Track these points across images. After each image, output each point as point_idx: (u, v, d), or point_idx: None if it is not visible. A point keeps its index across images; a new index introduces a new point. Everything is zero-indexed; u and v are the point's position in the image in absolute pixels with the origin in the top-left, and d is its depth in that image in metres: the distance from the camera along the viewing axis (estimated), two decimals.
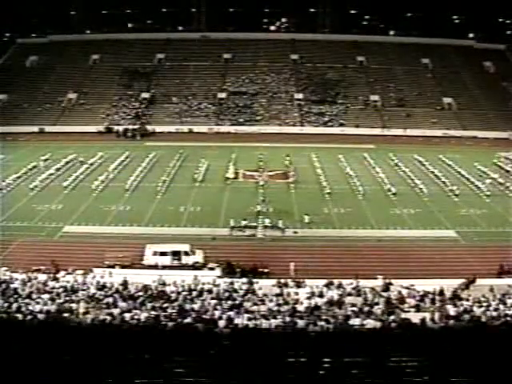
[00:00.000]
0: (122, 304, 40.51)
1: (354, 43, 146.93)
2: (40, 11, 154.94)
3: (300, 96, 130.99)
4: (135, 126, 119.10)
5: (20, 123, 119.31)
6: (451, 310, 39.54)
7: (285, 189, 79.07)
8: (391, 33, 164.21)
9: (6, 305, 39.65)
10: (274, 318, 37.41)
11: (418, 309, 41.01)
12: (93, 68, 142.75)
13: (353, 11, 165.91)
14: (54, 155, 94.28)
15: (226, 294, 42.95)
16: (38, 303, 40.44)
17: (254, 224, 64.09)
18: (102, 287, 44.82)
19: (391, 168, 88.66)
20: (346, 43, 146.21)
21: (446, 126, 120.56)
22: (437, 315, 38.64)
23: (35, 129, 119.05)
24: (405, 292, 43.72)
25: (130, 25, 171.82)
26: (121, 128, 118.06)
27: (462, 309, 39.70)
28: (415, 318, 37.44)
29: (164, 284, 45.31)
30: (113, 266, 52.09)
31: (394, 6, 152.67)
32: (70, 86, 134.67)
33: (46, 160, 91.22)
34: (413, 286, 44.77)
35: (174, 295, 42.57)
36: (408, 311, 40.66)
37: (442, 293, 43.52)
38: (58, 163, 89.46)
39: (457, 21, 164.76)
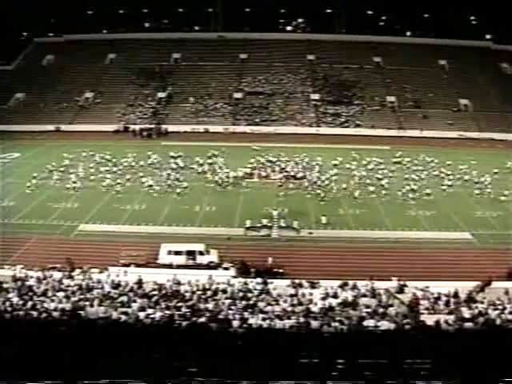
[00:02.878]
0: (136, 303, 40.64)
1: (370, 44, 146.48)
2: (57, 11, 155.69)
3: (316, 96, 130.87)
4: (151, 126, 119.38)
5: (36, 122, 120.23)
6: (466, 313, 39.38)
7: (300, 189, 78.91)
8: (408, 34, 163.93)
9: (21, 302, 39.88)
10: (288, 318, 37.39)
11: (432, 311, 40.88)
12: (109, 67, 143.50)
13: (369, 12, 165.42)
14: (72, 154, 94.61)
15: (241, 294, 42.95)
16: (52, 301, 40.60)
17: (269, 224, 64.17)
18: (116, 286, 44.94)
19: (407, 169, 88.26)
20: (362, 44, 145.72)
21: (462, 128, 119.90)
22: (451, 317, 38.48)
23: (51, 127, 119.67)
24: (419, 294, 43.58)
25: (146, 24, 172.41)
26: (137, 127, 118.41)
27: (476, 311, 39.52)
28: (430, 320, 37.29)
29: (178, 283, 45.34)
30: (128, 265, 52.25)
31: (410, 6, 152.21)
32: (86, 85, 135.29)
33: (67, 159, 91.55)
34: (427, 287, 44.60)
35: (188, 295, 42.60)
36: (423, 313, 40.58)
37: (456, 295, 43.35)
38: (77, 161, 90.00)
39: (474, 22, 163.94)
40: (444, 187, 79.68)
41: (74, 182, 79.44)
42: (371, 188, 78.40)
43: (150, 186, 78.99)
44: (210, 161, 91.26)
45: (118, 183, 79.25)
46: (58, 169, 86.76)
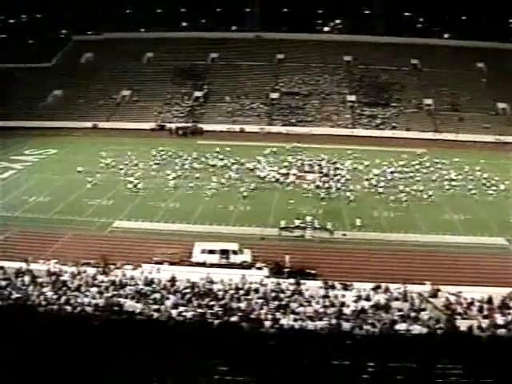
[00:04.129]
0: (169, 300, 40.92)
1: (408, 46, 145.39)
2: (96, 9, 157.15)
3: (352, 98, 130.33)
4: (188, 125, 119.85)
5: (74, 119, 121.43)
6: (499, 319, 39.03)
7: (334, 190, 78.65)
8: (446, 36, 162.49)
9: (55, 296, 40.37)
10: (320, 319, 37.38)
11: (465, 316, 40.57)
12: (146, 66, 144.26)
13: (407, 13, 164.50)
14: (109, 151, 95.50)
15: (273, 295, 43.03)
16: (86, 296, 41.05)
17: (303, 225, 64.16)
18: (149, 283, 45.25)
19: (442, 172, 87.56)
20: (399, 46, 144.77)
21: (498, 132, 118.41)
22: (484, 323, 38.17)
23: (89, 124, 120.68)
24: (452, 299, 43.29)
25: (183, 23, 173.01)
26: (173, 126, 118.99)
27: (510, 318, 39.17)
28: (462, 325, 37.05)
29: (211, 282, 45.55)
30: (161, 263, 52.60)
31: (449, 8, 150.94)
32: (123, 83, 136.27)
33: (104, 156, 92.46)
34: (461, 293, 44.27)
35: (220, 293, 42.78)
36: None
37: (490, 301, 42.98)
38: (114, 159, 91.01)
39: None
40: (478, 191, 79.16)
41: (135, 182, 79.92)
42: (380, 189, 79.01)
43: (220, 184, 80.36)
44: (261, 158, 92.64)
45: (190, 186, 79.40)
46: (101, 165, 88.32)
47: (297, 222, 64.50)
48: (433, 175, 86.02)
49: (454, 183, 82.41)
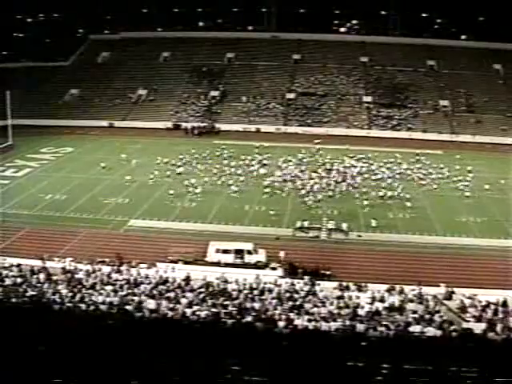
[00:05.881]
0: (183, 299, 41.02)
1: (424, 47, 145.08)
2: (112, 8, 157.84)
3: (369, 99, 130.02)
4: (204, 124, 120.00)
5: (90, 117, 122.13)
6: None
7: (350, 191, 78.51)
8: (463, 37, 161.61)
9: (70, 294, 40.57)
10: (334, 320, 37.37)
11: (479, 319, 40.41)
12: (163, 65, 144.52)
13: (424, 14, 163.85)
14: (125, 150, 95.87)
15: (287, 295, 43.05)
16: (101, 294, 41.24)
17: (318, 226, 64.10)
18: (164, 282, 45.37)
19: (458, 175, 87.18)
20: (416, 47, 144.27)
21: None
22: (499, 326, 38.04)
23: (105, 123, 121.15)
24: (467, 301, 43.16)
25: (200, 23, 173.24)
26: (189, 125, 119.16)
27: None
28: (477, 328, 36.92)
29: (226, 282, 45.63)
30: (176, 262, 52.74)
31: (466, 9, 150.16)
32: (140, 82, 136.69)
33: (121, 155, 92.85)
34: (475, 295, 44.13)
35: (235, 293, 42.85)
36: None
37: (505, 304, 42.81)
38: (130, 158, 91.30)
39: None
40: (494, 193, 78.82)
41: (150, 182, 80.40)
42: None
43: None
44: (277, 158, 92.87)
45: (207, 186, 78.98)
46: (117, 164, 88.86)
47: (312, 223, 64.48)
48: (449, 177, 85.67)
49: (470, 185, 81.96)
